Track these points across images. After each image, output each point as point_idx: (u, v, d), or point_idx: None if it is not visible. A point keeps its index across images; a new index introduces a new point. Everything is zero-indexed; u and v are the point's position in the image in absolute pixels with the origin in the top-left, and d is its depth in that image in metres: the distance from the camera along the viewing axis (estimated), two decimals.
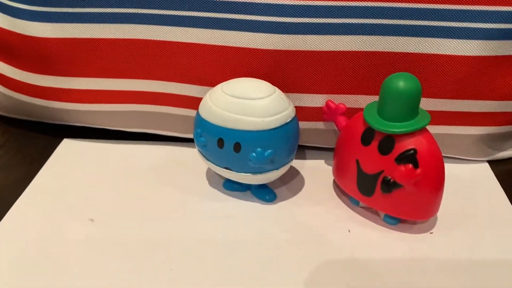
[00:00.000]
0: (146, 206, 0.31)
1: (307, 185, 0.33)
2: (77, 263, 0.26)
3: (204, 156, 0.30)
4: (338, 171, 0.31)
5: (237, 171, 0.29)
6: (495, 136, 0.34)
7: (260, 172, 0.29)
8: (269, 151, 0.28)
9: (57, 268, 0.26)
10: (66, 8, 0.32)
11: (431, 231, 0.29)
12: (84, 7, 0.32)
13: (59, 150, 0.37)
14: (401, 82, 0.26)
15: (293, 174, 0.34)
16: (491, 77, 0.31)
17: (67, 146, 0.38)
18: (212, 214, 0.30)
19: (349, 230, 0.29)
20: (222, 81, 0.30)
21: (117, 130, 0.38)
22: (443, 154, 0.32)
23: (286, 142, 0.29)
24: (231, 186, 0.32)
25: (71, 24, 0.33)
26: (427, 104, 0.32)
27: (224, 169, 0.30)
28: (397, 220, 0.29)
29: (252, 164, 0.28)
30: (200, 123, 0.29)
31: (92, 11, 0.32)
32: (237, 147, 0.28)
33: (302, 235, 0.29)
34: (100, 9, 0.32)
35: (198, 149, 0.31)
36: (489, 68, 0.30)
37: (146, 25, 0.32)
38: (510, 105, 0.32)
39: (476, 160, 0.35)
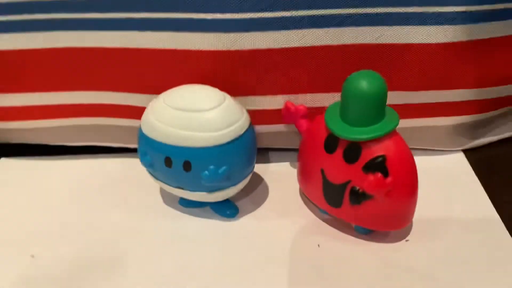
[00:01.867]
0: (95, 231, 0.28)
1: (271, 194, 0.30)
2: None
3: (152, 175, 0.27)
4: (303, 180, 0.28)
5: (191, 191, 0.26)
6: (470, 125, 0.32)
7: (217, 190, 0.26)
8: (223, 168, 0.25)
9: None
10: None
11: (406, 239, 0.27)
12: (7, 14, 0.28)
13: None
14: (364, 83, 0.23)
15: (255, 181, 0.31)
16: (460, 65, 0.28)
17: (5, 166, 0.34)
18: (169, 235, 0.27)
19: (318, 245, 0.26)
20: (167, 88, 0.27)
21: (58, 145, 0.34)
22: (415, 147, 0.29)
23: (242, 155, 0.26)
24: (187, 203, 0.29)
25: None
26: (394, 97, 0.29)
27: (176, 189, 0.27)
28: (369, 229, 0.26)
29: (205, 183, 0.25)
30: (144, 140, 0.26)
31: (15, 18, 0.28)
32: (187, 166, 0.25)
33: (269, 253, 0.26)
34: (24, 16, 0.28)
35: (148, 170, 0.27)
36: (458, 55, 0.28)
37: (77, 32, 0.28)
38: (482, 92, 0.30)
39: (450, 151, 0.33)
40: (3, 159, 0.34)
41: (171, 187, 0.27)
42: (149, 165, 0.26)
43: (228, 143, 0.25)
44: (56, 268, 0.26)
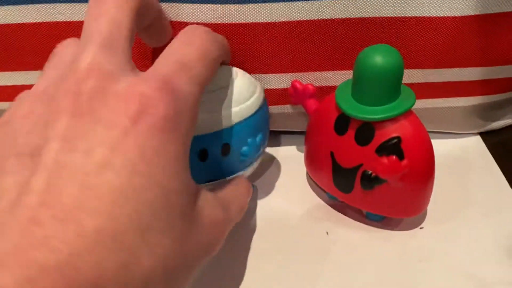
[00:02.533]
0: None
1: (277, 179, 0.29)
2: None
3: None
4: (311, 164, 0.26)
5: (225, 177, 0.24)
6: (487, 106, 0.30)
7: (249, 165, 0.25)
8: (259, 136, 0.24)
9: None
10: None
11: (421, 226, 0.25)
12: None
13: None
14: (379, 59, 0.21)
15: (261, 166, 0.29)
16: (479, 40, 0.26)
17: None
18: None
19: (327, 232, 0.25)
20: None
21: None
22: (430, 130, 0.28)
23: (267, 120, 0.25)
24: None
25: None
26: (409, 76, 0.27)
27: (203, 186, 0.25)
28: (381, 216, 0.25)
29: (245, 159, 0.24)
30: None
31: None
32: (225, 150, 0.23)
33: (276, 241, 0.25)
34: None
35: None
36: (477, 29, 0.26)
37: (63, 4, 0.26)
38: (502, 71, 0.28)
39: (467, 134, 0.31)
40: None
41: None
42: None
43: (257, 110, 0.24)
44: None
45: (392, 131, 0.22)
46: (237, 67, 0.25)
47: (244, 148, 0.23)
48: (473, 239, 0.24)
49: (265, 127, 0.25)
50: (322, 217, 0.26)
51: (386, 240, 0.24)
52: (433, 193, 0.24)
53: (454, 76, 0.28)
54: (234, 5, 0.24)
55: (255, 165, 0.25)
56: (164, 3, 0.25)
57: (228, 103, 0.23)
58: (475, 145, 0.31)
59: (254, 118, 0.24)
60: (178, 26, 0.25)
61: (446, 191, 0.27)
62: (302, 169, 0.28)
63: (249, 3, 0.24)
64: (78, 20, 0.26)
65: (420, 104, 0.28)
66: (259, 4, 0.24)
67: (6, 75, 0.29)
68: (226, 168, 0.24)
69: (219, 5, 0.25)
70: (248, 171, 0.25)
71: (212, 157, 0.23)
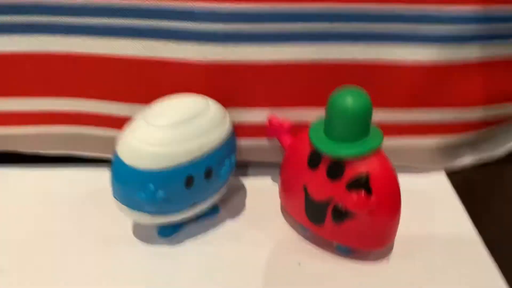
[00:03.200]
0: (69, 248, 0.27)
1: (251, 208, 0.30)
2: None
3: (158, 214, 0.25)
4: (285, 196, 0.27)
5: (204, 200, 0.26)
6: (452, 145, 0.32)
7: (225, 183, 0.27)
8: (233, 156, 0.26)
9: None
10: None
11: (387, 259, 0.26)
12: None
13: None
14: (349, 100, 0.22)
15: (234, 195, 0.31)
16: (446, 84, 0.28)
17: None
18: (142, 257, 0.26)
19: (299, 263, 0.26)
20: (149, 97, 0.26)
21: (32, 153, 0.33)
22: (398, 164, 0.29)
23: (236, 142, 0.27)
24: (168, 232, 0.27)
25: None
26: (380, 115, 0.29)
27: (186, 211, 0.25)
28: (350, 249, 0.26)
29: (223, 180, 0.26)
30: (151, 178, 0.23)
31: None
32: (208, 174, 0.25)
33: (249, 271, 0.25)
34: (4, 17, 0.27)
35: (148, 212, 0.24)
36: (444, 74, 0.28)
37: (57, 36, 0.27)
38: (466, 113, 0.30)
39: (432, 170, 0.33)
40: None
41: (181, 213, 0.25)
42: (163, 201, 0.24)
43: (230, 133, 0.26)
44: (24, 284, 0.24)
45: (361, 168, 0.23)
46: (218, 101, 0.26)
47: (223, 169, 0.25)
48: (437, 272, 0.25)
49: (236, 148, 0.27)
50: (294, 248, 0.27)
51: (355, 272, 0.25)
52: (399, 228, 0.25)
53: (421, 116, 0.30)
54: (217, 44, 0.26)
55: (227, 184, 0.27)
56: (146, 40, 0.26)
57: (208, 130, 0.24)
58: (440, 181, 0.32)
59: (229, 140, 0.26)
60: (158, 63, 0.27)
61: (412, 226, 0.28)
62: (276, 200, 0.29)
63: (231, 45, 0.26)
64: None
65: (389, 141, 0.30)
66: (241, 47, 0.26)
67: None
68: (208, 190, 0.26)
69: (204, 46, 0.26)
70: (223, 190, 0.27)
71: (197, 182, 0.24)
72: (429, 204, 0.30)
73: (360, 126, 0.23)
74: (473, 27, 0.27)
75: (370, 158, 0.23)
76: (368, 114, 0.23)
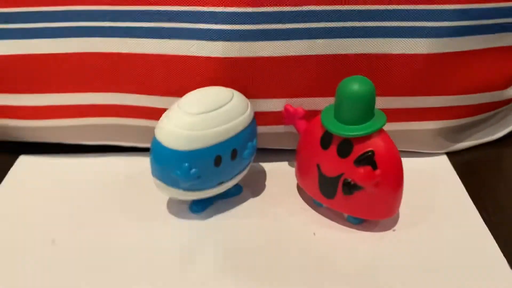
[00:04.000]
0: (111, 223, 0.30)
1: (271, 189, 0.33)
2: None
3: (190, 190, 0.28)
4: (300, 175, 0.31)
5: (230, 179, 0.29)
6: (452, 129, 0.35)
7: (248, 165, 0.30)
8: (255, 140, 0.30)
9: None
10: (13, 24, 0.31)
11: (393, 228, 0.29)
12: (31, 22, 0.31)
13: (16, 167, 0.36)
14: (355, 86, 0.26)
15: (256, 177, 0.34)
16: (442, 73, 0.31)
17: (24, 163, 0.36)
18: (172, 237, 0.29)
19: (314, 233, 0.29)
20: (180, 90, 0.29)
21: (75, 144, 0.37)
22: (402, 149, 0.32)
23: (255, 127, 0.31)
24: (201, 207, 0.31)
25: (19, 40, 0.32)
26: (383, 102, 0.32)
27: (215, 188, 0.29)
28: (360, 219, 0.29)
29: (246, 161, 0.30)
30: (185, 157, 0.27)
31: (41, 26, 0.31)
32: (234, 154, 0.28)
33: (269, 240, 0.29)
34: (49, 24, 0.31)
35: (182, 188, 0.28)
36: (440, 65, 0.31)
37: (97, 38, 0.31)
38: (464, 99, 0.33)
39: (435, 153, 0.36)
40: (22, 157, 0.37)
41: (209, 190, 0.29)
42: (197, 177, 0.27)
43: (252, 119, 0.29)
44: (74, 252, 0.28)
45: (367, 145, 0.26)
46: (240, 92, 0.30)
47: (246, 151, 0.29)
48: (437, 240, 0.28)
49: (256, 133, 0.31)
50: (309, 221, 0.30)
51: (364, 240, 0.28)
52: (404, 202, 0.28)
53: (423, 103, 0.33)
54: (237, 42, 0.29)
55: (249, 166, 0.31)
56: (177, 40, 0.30)
57: (233, 116, 0.28)
58: (442, 163, 0.35)
59: (251, 126, 0.29)
60: (188, 60, 0.30)
61: (416, 201, 0.31)
62: (293, 182, 0.33)
63: (250, 41, 0.29)
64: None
65: (394, 126, 0.33)
66: (259, 42, 0.29)
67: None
68: (234, 169, 0.29)
69: (225, 42, 0.30)
70: (245, 171, 0.30)
71: (224, 161, 0.28)
72: (431, 183, 0.33)
73: (365, 109, 0.26)
74: (465, 22, 0.30)
75: (375, 137, 0.26)
76: (371, 98, 0.26)
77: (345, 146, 0.27)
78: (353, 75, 0.27)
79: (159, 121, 0.28)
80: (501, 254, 0.27)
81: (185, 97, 0.28)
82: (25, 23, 0.31)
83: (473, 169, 0.35)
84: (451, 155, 0.36)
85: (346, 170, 0.27)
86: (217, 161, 0.28)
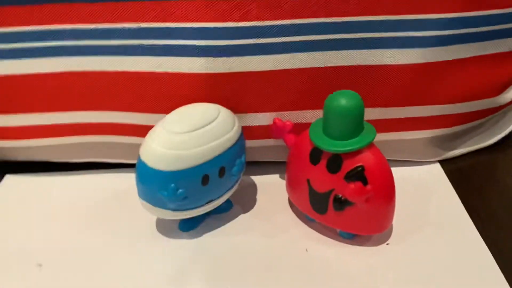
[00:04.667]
0: (99, 244, 0.30)
1: (262, 203, 0.32)
2: None
3: (178, 210, 0.28)
4: (291, 190, 0.30)
5: (219, 197, 0.29)
6: (445, 137, 0.34)
7: (237, 182, 0.30)
8: (243, 156, 0.29)
9: None
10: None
11: (387, 242, 0.29)
12: (15, 42, 0.30)
13: (1, 187, 0.35)
14: (342, 101, 0.25)
15: (246, 191, 0.33)
16: (433, 82, 0.31)
17: (10, 182, 0.36)
18: (162, 248, 0.29)
19: (306, 249, 0.29)
20: (166, 107, 0.29)
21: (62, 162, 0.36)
22: (394, 159, 0.32)
23: (243, 143, 0.30)
24: (188, 226, 0.30)
25: (6, 60, 0.31)
26: (374, 113, 0.31)
27: (204, 207, 0.28)
28: (353, 234, 0.29)
29: (235, 178, 0.29)
30: (171, 178, 0.26)
31: (25, 46, 0.31)
32: (221, 172, 0.28)
33: (261, 257, 0.28)
34: (33, 43, 0.31)
35: (169, 208, 0.27)
36: (430, 74, 0.30)
37: (82, 57, 0.30)
38: (455, 107, 0.33)
39: (427, 161, 0.35)
40: (8, 176, 0.36)
41: (198, 209, 0.28)
42: (183, 199, 0.27)
43: (240, 135, 0.29)
44: (61, 276, 0.27)
45: (357, 161, 0.26)
46: (226, 107, 0.29)
47: (234, 168, 0.28)
48: (431, 251, 0.28)
49: (245, 149, 0.30)
50: (302, 236, 0.30)
51: (357, 255, 0.28)
52: (397, 213, 0.28)
53: (414, 112, 0.32)
54: (221, 58, 0.29)
55: (238, 182, 0.30)
56: (164, 57, 0.29)
57: (220, 133, 0.27)
58: (435, 171, 0.35)
59: (239, 142, 0.29)
60: (172, 77, 0.30)
61: (409, 212, 0.30)
62: (284, 195, 0.32)
63: (234, 56, 0.29)
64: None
65: (386, 136, 0.33)
66: (243, 57, 0.29)
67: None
68: (222, 187, 0.29)
69: (208, 58, 0.29)
70: (235, 188, 0.30)
71: (212, 180, 0.27)
72: (424, 191, 0.33)
73: (354, 123, 0.26)
74: (454, 31, 0.29)
75: (364, 152, 0.26)
76: (360, 113, 0.26)
77: (335, 162, 0.26)
78: (340, 89, 0.27)
79: (144, 141, 0.27)
80: (495, 264, 0.27)
81: (169, 116, 0.28)
82: (8, 43, 0.31)
83: (466, 177, 0.34)
84: (444, 163, 0.36)
85: (337, 185, 0.27)
86: (205, 180, 0.27)
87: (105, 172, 0.36)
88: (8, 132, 0.34)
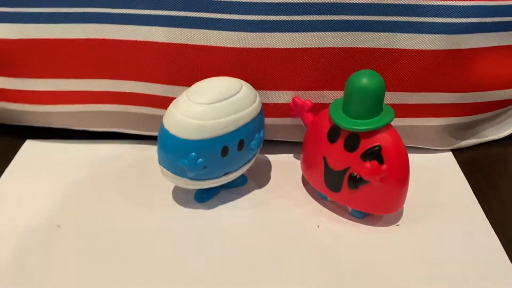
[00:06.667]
0: (117, 209, 0.30)
1: (276, 180, 0.33)
2: (44, 272, 0.26)
3: (197, 180, 0.28)
4: (306, 167, 0.31)
5: (236, 169, 0.29)
6: (458, 126, 0.35)
7: (254, 157, 0.30)
8: (262, 131, 0.30)
9: (23, 277, 0.26)
10: (22, 8, 0.31)
11: (397, 223, 0.29)
12: (41, 6, 0.31)
13: (22, 152, 0.36)
14: (365, 80, 0.26)
15: (262, 168, 0.34)
16: (451, 70, 0.31)
17: (30, 148, 0.37)
18: (177, 226, 0.30)
19: (318, 226, 0.29)
20: (188, 80, 0.30)
21: (81, 130, 0.37)
22: (408, 145, 0.32)
23: (263, 119, 0.31)
24: (205, 197, 0.31)
25: (27, 24, 0.31)
26: (392, 97, 0.32)
27: (221, 178, 0.29)
28: (364, 213, 0.29)
29: (253, 151, 0.30)
30: (192, 147, 0.27)
31: (49, 11, 0.31)
32: (240, 145, 0.28)
33: (272, 231, 0.29)
34: (58, 8, 0.31)
35: (188, 177, 0.28)
36: (450, 61, 0.31)
37: (106, 24, 0.31)
38: (471, 96, 0.33)
39: (440, 150, 0.36)
40: (29, 141, 0.37)
41: (215, 180, 0.29)
42: (203, 168, 0.27)
43: (260, 111, 0.29)
44: (78, 237, 0.28)
45: (374, 140, 0.27)
46: (250, 83, 0.30)
47: (253, 142, 0.29)
48: (440, 236, 0.29)
49: (264, 124, 0.31)
50: (314, 213, 0.30)
51: (367, 234, 0.29)
52: (408, 197, 0.29)
53: (429, 99, 0.33)
54: (251, 33, 0.29)
55: (255, 158, 0.31)
56: (194, 29, 0.30)
57: (241, 107, 0.28)
58: (447, 159, 0.35)
59: (259, 117, 0.29)
60: (204, 49, 0.30)
61: (420, 197, 0.31)
62: (298, 174, 0.33)
63: (263, 32, 0.29)
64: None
65: (400, 122, 0.33)
66: (271, 33, 0.29)
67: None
68: (240, 160, 0.29)
69: (239, 33, 0.29)
70: (251, 162, 0.30)
71: (231, 152, 0.28)
72: (436, 179, 0.33)
73: (374, 103, 0.26)
74: (476, 19, 0.29)
75: (382, 132, 0.27)
76: (381, 93, 0.26)
77: (353, 140, 0.27)
78: (362, 69, 0.27)
79: (167, 109, 0.28)
80: (504, 251, 0.27)
81: (194, 87, 0.28)
82: (25, 7, 0.31)
83: (478, 167, 0.35)
84: (456, 152, 0.36)
85: (353, 164, 0.27)
86: (224, 151, 0.28)
87: (124, 143, 0.37)
88: (28, 96, 0.35)
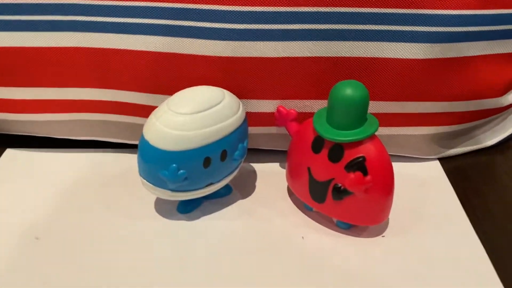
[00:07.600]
0: (97, 221, 0.30)
1: (262, 190, 0.33)
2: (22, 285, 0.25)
3: (178, 191, 0.28)
4: (291, 177, 0.31)
5: (219, 180, 0.29)
6: (445, 135, 0.35)
7: (237, 167, 0.30)
8: (246, 141, 0.29)
9: None
10: (7, 16, 0.30)
11: (383, 235, 0.29)
12: (25, 14, 0.30)
13: (2, 161, 0.35)
14: (348, 91, 0.25)
15: (246, 178, 0.34)
16: (437, 79, 0.31)
17: (10, 156, 0.36)
18: (155, 234, 0.29)
19: (302, 237, 0.29)
20: (171, 89, 0.29)
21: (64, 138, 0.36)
22: (394, 154, 0.32)
23: (246, 128, 0.30)
24: (187, 208, 0.30)
25: (10, 32, 0.31)
26: (377, 107, 0.32)
27: (204, 189, 0.29)
28: (349, 224, 0.29)
29: (236, 162, 0.29)
30: (173, 158, 0.26)
31: (36, 18, 0.31)
32: (223, 156, 0.28)
33: (257, 242, 0.28)
34: (43, 16, 0.31)
35: (169, 188, 0.28)
36: (435, 70, 0.30)
37: (91, 33, 0.30)
38: (457, 106, 0.33)
39: (427, 158, 0.36)
40: (9, 150, 0.36)
41: (198, 191, 0.28)
42: (184, 179, 0.27)
43: (243, 121, 0.29)
44: (57, 249, 0.28)
45: (358, 151, 0.26)
46: (233, 92, 0.29)
47: (236, 153, 0.28)
48: (426, 247, 0.28)
49: (248, 134, 0.30)
50: (299, 224, 0.30)
51: (352, 245, 0.28)
52: (394, 207, 0.28)
53: (417, 108, 0.32)
54: (233, 42, 0.29)
55: (239, 168, 0.30)
56: (176, 38, 0.29)
57: (223, 117, 0.27)
58: (433, 168, 0.35)
59: (242, 127, 0.29)
60: (187, 58, 0.30)
61: (406, 207, 0.30)
62: (283, 183, 0.32)
63: (245, 40, 0.29)
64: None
65: (387, 131, 0.33)
66: (254, 42, 0.29)
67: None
68: (223, 171, 0.29)
69: (221, 41, 0.29)
70: (235, 173, 0.30)
71: (214, 163, 0.27)
72: (422, 187, 0.33)
73: (358, 114, 0.26)
74: (462, 28, 0.29)
75: (366, 143, 0.26)
76: (365, 104, 0.26)
77: (337, 151, 0.27)
78: (346, 79, 0.27)
79: (148, 120, 0.27)
80: (489, 261, 0.27)
81: (175, 96, 0.28)
82: (14, 15, 0.31)
83: (465, 175, 0.35)
84: (443, 161, 0.36)
85: (337, 175, 0.27)
86: (206, 162, 0.27)
87: (105, 152, 0.36)
88: (12, 104, 0.34)
